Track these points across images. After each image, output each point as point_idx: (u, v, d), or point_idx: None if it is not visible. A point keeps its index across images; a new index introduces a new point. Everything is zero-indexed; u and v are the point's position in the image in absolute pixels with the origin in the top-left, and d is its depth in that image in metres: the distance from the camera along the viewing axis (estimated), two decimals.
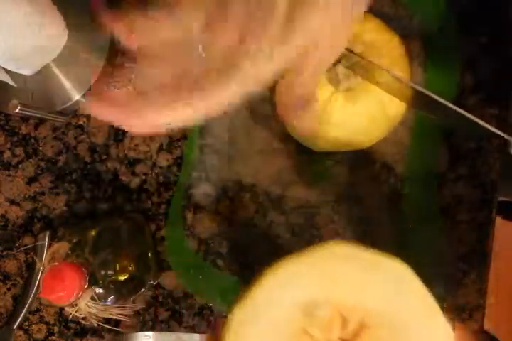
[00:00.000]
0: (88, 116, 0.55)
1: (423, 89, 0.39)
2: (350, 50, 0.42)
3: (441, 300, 0.49)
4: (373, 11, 0.50)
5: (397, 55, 0.44)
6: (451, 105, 0.38)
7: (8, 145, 0.56)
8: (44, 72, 0.53)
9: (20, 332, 0.55)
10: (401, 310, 0.28)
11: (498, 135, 0.36)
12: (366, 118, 0.44)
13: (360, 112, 0.43)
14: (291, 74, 0.31)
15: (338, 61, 0.43)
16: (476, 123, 0.37)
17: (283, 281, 0.29)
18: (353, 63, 0.42)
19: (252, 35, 0.26)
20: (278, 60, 0.28)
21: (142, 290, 0.51)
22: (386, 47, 0.43)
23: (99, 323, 0.46)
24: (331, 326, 0.27)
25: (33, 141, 0.56)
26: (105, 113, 0.29)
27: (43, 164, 0.56)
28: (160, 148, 0.54)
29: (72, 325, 0.54)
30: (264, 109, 0.51)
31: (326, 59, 0.32)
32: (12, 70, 0.52)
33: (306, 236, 0.51)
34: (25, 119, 0.56)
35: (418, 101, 0.41)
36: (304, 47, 0.29)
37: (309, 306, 0.28)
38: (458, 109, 0.37)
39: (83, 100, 0.54)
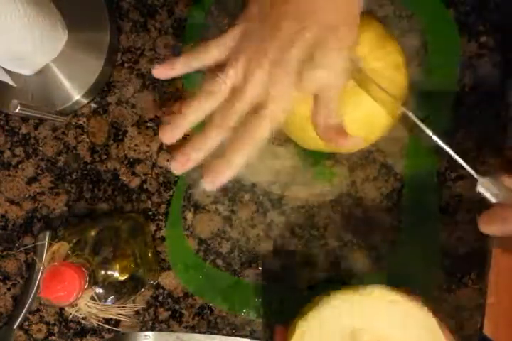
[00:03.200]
0: (88, 116, 0.55)
1: (412, 115, 0.40)
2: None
3: (441, 299, 0.49)
4: (373, 11, 0.50)
5: (393, 69, 0.44)
6: (436, 139, 0.39)
7: (8, 145, 0.56)
8: (44, 72, 0.53)
9: (21, 332, 0.55)
10: None
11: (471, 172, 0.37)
12: (352, 123, 0.44)
13: (348, 116, 0.43)
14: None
15: None
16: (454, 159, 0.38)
17: (340, 311, 0.38)
18: (350, 67, 0.42)
19: (276, 83, 0.35)
20: (294, 97, 0.36)
21: (142, 290, 0.51)
22: (383, 61, 0.43)
23: (99, 323, 0.46)
24: None
25: (33, 141, 0.56)
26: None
27: (43, 164, 0.56)
28: (160, 148, 0.54)
29: (72, 325, 0.54)
30: None
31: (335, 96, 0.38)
32: (12, 70, 0.52)
33: (306, 236, 0.51)
34: (25, 119, 0.56)
35: (404, 119, 0.42)
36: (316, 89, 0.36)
37: (356, 332, 0.38)
38: (441, 144, 0.38)
39: (83, 100, 0.54)
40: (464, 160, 0.38)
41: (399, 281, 0.49)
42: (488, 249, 0.47)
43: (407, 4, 0.50)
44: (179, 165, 0.36)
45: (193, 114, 0.37)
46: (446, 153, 0.38)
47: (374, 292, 0.38)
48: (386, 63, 0.43)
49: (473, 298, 0.48)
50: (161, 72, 0.39)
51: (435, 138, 0.39)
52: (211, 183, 0.35)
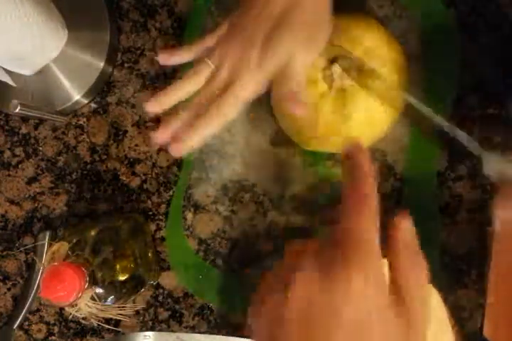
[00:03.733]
0: (88, 116, 0.55)
1: (415, 101, 0.40)
2: (349, 52, 0.43)
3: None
4: (373, 11, 0.50)
5: (396, 65, 0.44)
6: (440, 120, 0.39)
7: (8, 145, 0.56)
8: (44, 72, 0.53)
9: (21, 332, 0.55)
10: None
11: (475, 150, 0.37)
12: (352, 123, 0.44)
13: (347, 117, 0.43)
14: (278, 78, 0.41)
15: (335, 60, 0.44)
16: (458, 140, 0.38)
17: None
18: (348, 65, 0.43)
19: (240, 68, 0.39)
20: (261, 75, 0.39)
21: (142, 290, 0.51)
22: (386, 57, 0.43)
23: (99, 323, 0.46)
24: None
25: (33, 141, 0.56)
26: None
27: (43, 164, 0.56)
28: (160, 148, 0.54)
29: (72, 325, 0.54)
30: (264, 110, 0.51)
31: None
32: (12, 70, 0.52)
33: (306, 236, 0.51)
34: (25, 119, 0.56)
35: (408, 111, 0.42)
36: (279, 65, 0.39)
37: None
38: (446, 124, 0.38)
39: (83, 100, 0.54)
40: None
41: None
42: (488, 249, 0.47)
43: (407, 4, 0.50)
44: (158, 135, 0.41)
45: (179, 88, 0.41)
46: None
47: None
48: (386, 62, 0.43)
49: (473, 298, 0.48)
50: (166, 57, 0.43)
51: (441, 121, 0.38)
52: (177, 150, 0.40)
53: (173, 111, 0.41)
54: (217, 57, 0.40)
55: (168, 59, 0.43)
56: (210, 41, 0.42)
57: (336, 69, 0.43)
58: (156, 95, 0.41)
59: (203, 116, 0.39)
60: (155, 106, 0.41)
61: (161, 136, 0.40)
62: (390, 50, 0.44)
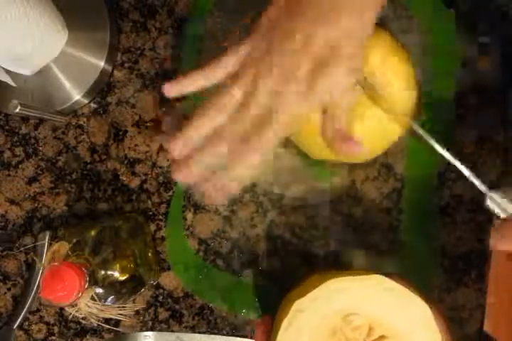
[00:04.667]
0: (88, 116, 0.55)
1: (421, 130, 0.40)
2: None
3: (441, 299, 0.49)
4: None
5: (404, 77, 0.44)
6: (444, 152, 0.39)
7: (8, 145, 0.56)
8: (44, 72, 0.53)
9: (21, 332, 0.55)
10: (414, 331, 0.38)
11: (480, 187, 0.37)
12: (361, 134, 0.44)
13: (357, 127, 0.43)
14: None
15: None
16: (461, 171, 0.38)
17: (337, 295, 0.39)
18: (360, 78, 0.42)
19: (285, 94, 0.35)
20: (304, 110, 0.36)
21: (142, 290, 0.51)
22: (394, 69, 0.43)
23: (99, 323, 0.46)
24: (360, 330, 0.38)
25: (33, 141, 0.56)
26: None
27: (43, 164, 0.56)
28: (160, 148, 0.54)
29: (72, 325, 0.54)
30: None
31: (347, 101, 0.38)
32: (12, 70, 0.52)
33: (306, 236, 0.51)
34: (25, 119, 0.56)
35: (415, 131, 0.42)
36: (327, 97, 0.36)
37: (349, 315, 0.38)
38: (451, 159, 0.38)
39: (83, 100, 0.54)
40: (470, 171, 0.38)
41: None
42: (488, 249, 0.47)
43: (407, 4, 0.50)
44: (181, 176, 0.37)
45: (202, 125, 0.37)
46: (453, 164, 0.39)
47: (371, 279, 0.39)
48: (397, 74, 0.43)
49: (473, 298, 0.48)
50: (172, 88, 0.38)
51: (445, 153, 0.39)
52: (219, 199, 0.36)
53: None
54: (245, 82, 0.36)
55: (177, 88, 0.38)
56: (229, 61, 0.37)
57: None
58: (179, 138, 0.37)
59: (237, 156, 0.36)
60: (181, 149, 0.37)
61: (186, 174, 0.37)
62: (400, 61, 0.44)
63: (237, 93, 0.36)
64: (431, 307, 0.38)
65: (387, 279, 0.39)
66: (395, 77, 0.43)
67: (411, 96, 0.44)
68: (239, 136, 0.36)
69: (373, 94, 0.42)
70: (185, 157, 0.37)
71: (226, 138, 0.36)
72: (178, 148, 0.37)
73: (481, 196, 0.36)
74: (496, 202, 0.36)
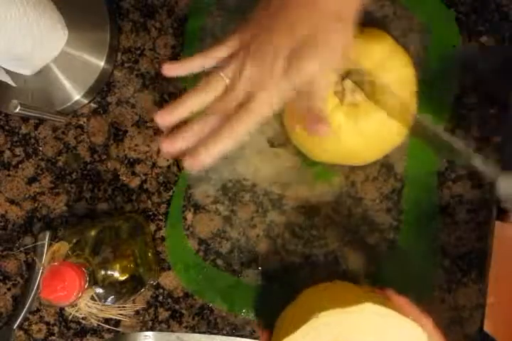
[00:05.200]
0: (88, 116, 0.55)
1: (424, 119, 0.40)
2: (358, 66, 0.42)
3: (441, 299, 0.49)
4: (373, 12, 0.50)
5: (405, 80, 0.44)
6: (448, 137, 0.39)
7: (8, 145, 0.56)
8: (44, 72, 0.53)
9: (21, 332, 0.55)
10: None
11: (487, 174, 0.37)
12: (363, 139, 0.44)
13: (359, 132, 0.43)
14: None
15: (347, 75, 0.43)
16: (469, 157, 0.38)
17: (327, 327, 0.38)
18: (360, 79, 0.43)
19: (262, 80, 0.37)
20: (284, 92, 0.37)
21: (142, 290, 0.51)
22: (395, 72, 0.43)
23: (99, 323, 0.46)
24: None
25: (33, 141, 0.56)
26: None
27: (43, 164, 0.56)
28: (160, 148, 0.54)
29: (72, 325, 0.54)
30: None
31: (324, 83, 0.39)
32: (12, 70, 0.52)
33: (306, 236, 0.51)
34: (25, 119, 0.56)
35: (417, 129, 0.42)
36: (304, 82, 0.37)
37: None
38: (454, 140, 0.38)
39: (83, 100, 0.54)
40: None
41: (399, 281, 0.49)
42: (488, 249, 0.47)
43: (407, 4, 0.50)
44: (168, 146, 0.39)
45: (190, 100, 0.39)
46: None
47: (362, 309, 0.38)
48: (397, 75, 0.43)
49: (473, 298, 0.48)
50: (172, 67, 0.41)
51: (454, 142, 0.39)
52: (190, 166, 0.38)
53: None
54: (231, 69, 0.38)
55: (175, 69, 0.41)
56: (221, 51, 0.40)
57: (348, 84, 0.43)
58: (166, 108, 0.39)
59: (218, 132, 0.37)
60: (165, 118, 0.39)
61: (169, 146, 0.39)
62: (401, 63, 0.44)
63: (224, 76, 0.38)
64: (423, 326, 0.38)
65: (378, 307, 0.38)
66: (397, 80, 0.43)
67: (412, 98, 0.44)
68: (223, 114, 0.38)
69: (375, 97, 0.42)
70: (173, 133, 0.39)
71: (208, 117, 0.39)
72: (163, 118, 0.39)
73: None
74: (509, 188, 0.35)
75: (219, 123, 0.38)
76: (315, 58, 0.37)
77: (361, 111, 0.43)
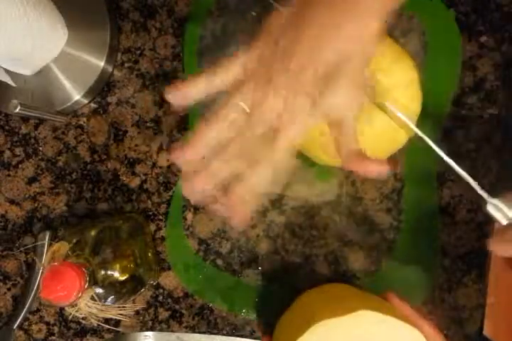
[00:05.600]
0: (88, 116, 0.55)
1: (422, 134, 0.40)
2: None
3: (441, 299, 0.49)
4: None
5: (409, 84, 0.44)
6: (443, 155, 0.39)
7: (8, 145, 0.56)
8: (44, 72, 0.53)
9: (21, 332, 0.55)
10: None
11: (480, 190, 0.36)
12: (364, 141, 0.43)
13: (360, 134, 0.43)
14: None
15: None
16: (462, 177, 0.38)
17: (325, 336, 0.38)
18: (367, 86, 0.42)
19: (288, 108, 0.34)
20: (314, 121, 0.34)
21: (142, 290, 0.51)
22: (399, 76, 0.43)
23: (99, 323, 0.46)
24: None
25: (33, 141, 0.56)
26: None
27: (43, 164, 0.56)
28: (160, 148, 0.54)
29: (72, 325, 0.54)
30: None
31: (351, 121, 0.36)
32: (12, 70, 0.52)
33: (306, 236, 0.51)
34: (25, 119, 0.56)
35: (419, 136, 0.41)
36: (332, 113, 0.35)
37: None
38: (451, 162, 0.38)
39: (83, 100, 0.54)
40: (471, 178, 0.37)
41: (399, 281, 0.49)
42: (488, 249, 0.47)
43: (407, 4, 0.50)
44: (190, 190, 0.36)
45: (205, 137, 0.35)
46: (447, 152, 0.38)
47: (359, 316, 0.38)
48: (401, 79, 0.43)
49: (473, 298, 0.48)
50: (177, 95, 0.37)
51: (447, 159, 0.38)
52: (238, 221, 0.35)
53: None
54: (248, 97, 0.35)
55: (180, 98, 0.36)
56: (229, 74, 0.36)
57: None
58: (179, 147, 0.35)
59: (254, 167, 0.35)
60: (181, 157, 0.36)
61: (194, 192, 0.36)
62: (405, 67, 0.44)
63: (242, 105, 0.35)
64: (423, 329, 0.38)
65: (375, 313, 0.38)
66: (400, 84, 0.43)
67: (416, 103, 0.44)
68: (248, 148, 0.35)
69: (378, 101, 0.42)
70: (195, 172, 0.36)
71: (232, 150, 0.35)
72: (179, 157, 0.36)
73: (481, 198, 0.36)
74: (497, 209, 0.35)
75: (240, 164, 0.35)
76: (344, 87, 0.34)
77: (364, 113, 0.43)
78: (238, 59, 0.36)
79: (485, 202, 0.36)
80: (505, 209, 0.35)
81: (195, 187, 0.35)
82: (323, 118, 0.35)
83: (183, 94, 0.36)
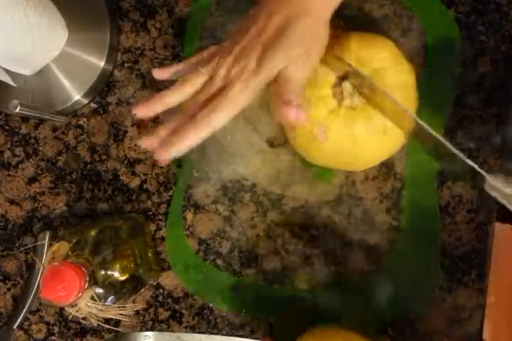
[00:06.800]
0: (88, 116, 0.55)
1: (423, 123, 0.40)
2: (357, 70, 0.42)
3: (441, 299, 0.49)
4: (373, 12, 0.50)
5: (405, 88, 0.44)
6: (446, 142, 0.39)
7: (8, 145, 0.56)
8: (44, 72, 0.53)
9: (21, 332, 0.55)
10: None
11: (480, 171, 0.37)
12: (360, 143, 0.44)
13: (356, 136, 0.43)
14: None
15: (346, 77, 0.43)
16: (463, 161, 0.38)
17: None
18: (359, 83, 0.42)
19: (237, 70, 0.39)
20: (256, 81, 0.39)
21: (142, 290, 0.51)
22: (395, 79, 0.43)
23: (99, 323, 0.46)
24: None
25: (33, 141, 0.56)
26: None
27: (43, 164, 0.56)
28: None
29: (72, 325, 0.54)
30: (264, 110, 0.51)
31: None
32: (12, 70, 0.52)
33: (306, 236, 0.51)
34: (25, 119, 0.56)
35: (417, 133, 0.42)
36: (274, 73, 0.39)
37: None
38: (451, 147, 0.38)
39: (83, 100, 0.54)
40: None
41: (399, 281, 0.49)
42: (488, 249, 0.47)
43: (407, 4, 0.50)
44: (143, 141, 0.41)
45: (171, 95, 0.41)
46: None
47: None
48: (398, 81, 0.43)
49: (473, 298, 0.48)
50: (162, 72, 0.43)
51: (450, 146, 0.39)
52: (164, 154, 0.39)
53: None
54: (210, 66, 0.41)
55: (164, 73, 0.43)
56: (206, 53, 0.42)
57: (346, 86, 0.43)
58: (144, 102, 0.41)
59: (192, 121, 0.39)
60: (142, 111, 0.41)
61: (146, 142, 0.41)
62: (402, 69, 0.44)
63: (203, 72, 0.41)
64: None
65: None
66: (397, 86, 0.43)
67: (411, 104, 0.44)
68: (197, 105, 0.40)
69: (373, 101, 0.42)
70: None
71: (185, 110, 0.40)
72: (140, 111, 0.41)
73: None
74: (496, 187, 0.35)
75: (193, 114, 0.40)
76: (281, 52, 0.38)
77: (359, 114, 0.43)
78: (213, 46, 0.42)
79: (484, 180, 0.36)
80: (503, 185, 0.35)
81: (152, 140, 0.41)
82: (267, 76, 0.39)
83: (168, 71, 0.43)
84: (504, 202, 0.35)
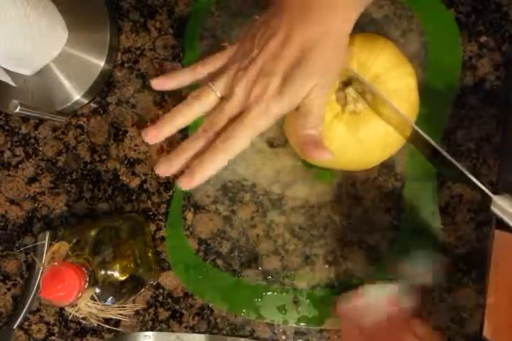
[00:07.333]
0: (88, 116, 0.55)
1: (421, 131, 0.40)
2: (360, 77, 0.42)
3: (441, 299, 0.49)
4: (373, 12, 0.50)
5: (406, 90, 0.44)
6: (445, 153, 0.39)
7: (8, 145, 0.56)
8: (44, 72, 0.53)
9: (21, 332, 0.55)
10: None
11: (482, 188, 0.37)
12: (362, 147, 0.44)
13: (359, 140, 0.43)
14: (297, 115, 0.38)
15: (350, 83, 0.43)
16: (463, 174, 0.38)
17: None
18: (362, 88, 0.42)
19: (258, 91, 0.37)
20: (280, 106, 0.37)
21: (142, 290, 0.51)
22: (397, 82, 0.43)
23: (99, 323, 0.46)
24: None
25: (33, 141, 0.56)
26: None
27: (42, 164, 0.56)
28: (160, 149, 0.54)
29: (72, 325, 0.54)
30: None
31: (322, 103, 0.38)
32: (12, 70, 0.52)
33: (306, 236, 0.51)
34: (25, 119, 0.56)
35: (415, 139, 0.42)
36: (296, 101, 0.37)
37: None
38: (449, 157, 0.38)
39: (83, 100, 0.54)
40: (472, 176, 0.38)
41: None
42: (488, 249, 0.47)
43: (407, 4, 0.50)
44: (163, 170, 0.38)
45: (181, 116, 0.38)
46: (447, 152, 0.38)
47: None
48: (399, 85, 0.43)
49: (473, 298, 0.48)
50: (162, 82, 0.40)
51: (449, 157, 0.39)
52: (185, 185, 0.37)
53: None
54: (222, 81, 0.38)
55: (163, 83, 0.40)
56: (213, 63, 0.39)
57: (351, 92, 0.43)
58: (153, 125, 0.38)
59: (212, 148, 0.36)
60: (154, 136, 0.38)
61: (165, 169, 0.38)
62: (404, 73, 0.44)
63: (214, 89, 0.38)
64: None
65: None
66: (399, 89, 0.43)
67: (412, 108, 0.44)
68: (216, 129, 0.37)
69: (375, 106, 0.42)
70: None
71: (200, 133, 0.38)
72: (149, 135, 0.38)
73: (482, 197, 0.36)
74: (502, 207, 0.35)
75: (212, 138, 0.37)
76: (307, 78, 0.36)
77: (362, 119, 0.43)
78: (218, 55, 0.40)
79: (490, 200, 0.36)
80: (509, 206, 0.35)
81: (171, 168, 0.38)
82: (290, 104, 0.37)
83: (168, 81, 0.40)
84: (511, 223, 0.35)
